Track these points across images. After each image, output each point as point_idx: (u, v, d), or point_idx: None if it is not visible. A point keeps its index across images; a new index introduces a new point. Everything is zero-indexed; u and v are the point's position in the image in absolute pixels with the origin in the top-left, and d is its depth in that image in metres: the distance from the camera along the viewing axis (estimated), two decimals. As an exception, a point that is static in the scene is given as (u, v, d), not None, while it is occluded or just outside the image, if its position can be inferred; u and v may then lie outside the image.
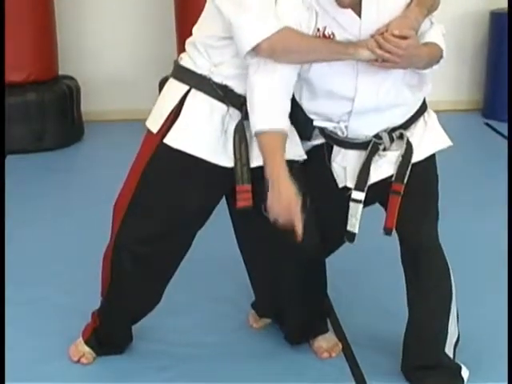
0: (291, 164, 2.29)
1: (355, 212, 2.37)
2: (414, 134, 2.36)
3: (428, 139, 2.39)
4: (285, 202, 2.17)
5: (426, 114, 2.40)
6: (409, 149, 2.33)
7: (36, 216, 3.89)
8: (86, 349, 2.65)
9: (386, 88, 2.25)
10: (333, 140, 2.37)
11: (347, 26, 2.17)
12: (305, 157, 2.39)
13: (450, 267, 2.42)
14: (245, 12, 2.11)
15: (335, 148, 2.38)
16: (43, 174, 4.60)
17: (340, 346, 2.71)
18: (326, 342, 2.69)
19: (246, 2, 2.11)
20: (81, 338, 2.66)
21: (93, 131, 5.36)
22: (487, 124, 5.43)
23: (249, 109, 2.22)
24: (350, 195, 2.36)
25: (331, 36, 2.17)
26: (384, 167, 2.34)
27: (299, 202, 2.17)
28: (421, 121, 2.38)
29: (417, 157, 2.34)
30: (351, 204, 2.36)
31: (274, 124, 2.19)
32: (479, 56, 5.70)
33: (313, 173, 2.41)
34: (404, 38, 2.11)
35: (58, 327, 2.82)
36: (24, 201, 4.07)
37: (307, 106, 2.31)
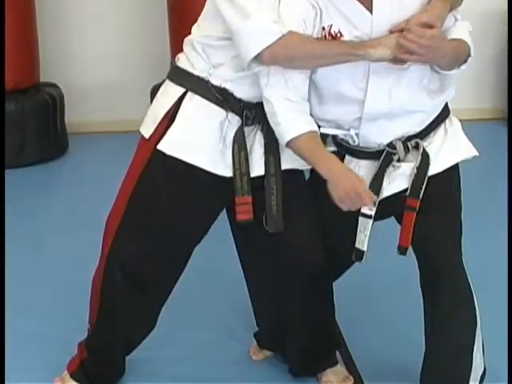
0: (296, 173, 2.37)
1: (364, 228, 2.38)
2: (433, 144, 2.36)
3: (448, 149, 2.37)
4: (348, 185, 2.22)
5: (447, 120, 2.39)
6: (425, 160, 2.32)
7: (14, 238, 3.90)
8: (73, 383, 2.66)
9: (400, 91, 2.25)
10: (344, 148, 2.40)
11: (357, 23, 2.18)
12: (308, 167, 2.41)
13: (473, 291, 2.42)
14: (245, 19, 2.15)
15: (347, 157, 2.40)
16: (22, 192, 4.61)
17: (351, 380, 2.72)
18: (335, 375, 2.70)
19: (247, 7, 2.15)
20: (66, 372, 2.68)
21: (78, 144, 5.38)
22: (508, 134, 5.44)
23: (271, 122, 2.28)
24: (359, 209, 2.37)
25: (338, 35, 2.20)
26: (398, 180, 2.35)
27: (362, 181, 2.24)
28: (441, 128, 2.38)
29: (434, 169, 2.34)
30: (360, 219, 2.38)
31: (303, 129, 2.26)
32: (504, 60, 5.68)
33: (322, 184, 2.44)
34: (429, 26, 2.11)
35: (41, 360, 2.83)
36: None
37: (315, 111, 2.34)
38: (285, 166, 2.38)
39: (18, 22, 4.97)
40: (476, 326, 2.41)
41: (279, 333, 2.69)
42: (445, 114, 2.39)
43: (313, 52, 2.20)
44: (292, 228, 2.38)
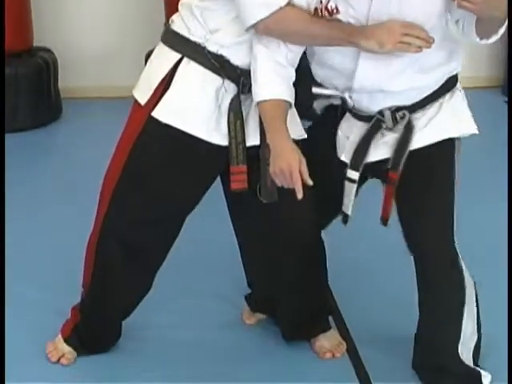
0: None
1: (349, 192, 2.40)
2: (424, 117, 2.34)
3: (437, 124, 2.34)
4: (284, 163, 2.20)
5: (448, 94, 2.36)
6: (408, 133, 2.31)
7: (9, 206, 3.89)
8: (66, 348, 2.68)
9: (390, 72, 2.24)
10: (345, 105, 2.40)
11: (355, 3, 2.15)
12: (304, 136, 2.42)
13: (466, 275, 2.43)
14: None
15: (347, 114, 2.42)
16: (16, 157, 4.58)
17: (344, 345, 2.74)
18: (328, 341, 2.73)
19: None
20: (60, 336, 2.69)
21: (72, 109, 5.34)
22: (507, 102, 5.44)
23: (252, 78, 2.27)
24: (345, 173, 2.39)
25: (334, 11, 2.17)
26: (381, 148, 2.36)
27: (300, 164, 2.20)
28: (437, 103, 2.35)
29: (418, 143, 2.33)
30: (346, 183, 2.40)
31: (277, 94, 2.24)
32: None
33: (318, 139, 2.45)
34: None
35: (34, 325, 2.85)
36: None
37: (315, 71, 2.35)
38: None
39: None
40: (463, 305, 2.44)
41: (271, 297, 2.71)
42: (446, 87, 2.35)
43: (306, 31, 2.20)
44: (286, 198, 2.36)
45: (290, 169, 2.19)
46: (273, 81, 2.25)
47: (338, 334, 2.78)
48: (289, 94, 2.27)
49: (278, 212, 2.42)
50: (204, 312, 2.98)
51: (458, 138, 2.39)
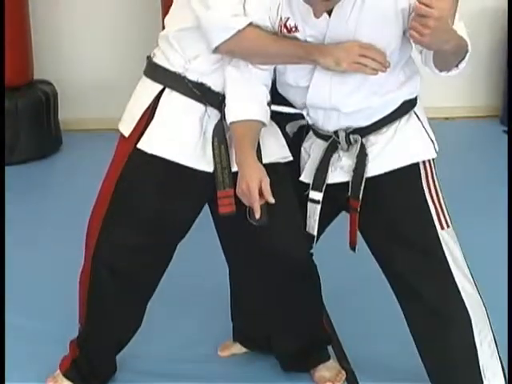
0: (276, 166, 2.38)
1: (313, 213, 2.40)
2: (379, 143, 2.33)
3: (392, 151, 2.33)
4: (244, 184, 2.24)
5: (405, 117, 2.34)
6: (360, 162, 2.31)
7: (10, 236, 3.89)
8: (66, 382, 2.67)
9: (343, 91, 2.25)
10: (307, 124, 2.43)
11: (312, 23, 2.17)
12: (290, 158, 2.45)
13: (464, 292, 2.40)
14: (207, 9, 2.18)
15: (310, 132, 2.44)
16: (15, 191, 4.60)
17: (343, 374, 2.73)
18: (328, 371, 2.72)
19: None
20: (59, 371, 2.69)
21: (72, 141, 5.37)
22: (506, 131, 5.47)
23: (226, 100, 2.30)
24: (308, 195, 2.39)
25: (293, 29, 2.20)
26: (338, 172, 2.37)
27: (261, 183, 2.23)
28: (393, 126, 2.33)
29: (373, 171, 2.32)
30: (309, 204, 2.40)
31: (245, 115, 2.27)
32: (496, 57, 5.70)
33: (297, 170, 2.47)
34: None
35: (34, 357, 2.84)
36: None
37: (278, 86, 2.37)
38: (266, 159, 2.38)
39: (11, 20, 4.93)
40: (471, 328, 2.40)
41: (263, 329, 2.69)
42: (403, 110, 2.34)
43: (267, 50, 2.24)
44: (276, 220, 2.38)
45: (248, 189, 2.22)
46: (242, 101, 2.28)
47: (338, 363, 2.77)
48: (259, 113, 2.30)
49: (269, 236, 2.41)
50: (196, 343, 2.97)
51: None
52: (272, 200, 2.22)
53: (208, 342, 2.95)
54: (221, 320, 3.01)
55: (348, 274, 3.26)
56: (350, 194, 2.34)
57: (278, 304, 2.59)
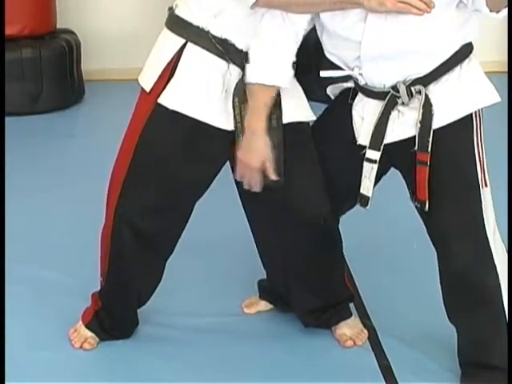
0: (297, 126, 2.35)
1: (369, 173, 2.35)
2: (442, 91, 2.25)
3: (459, 98, 2.27)
4: (255, 159, 2.26)
5: (465, 62, 2.27)
6: (427, 113, 2.24)
7: (32, 186, 3.91)
8: (88, 333, 2.68)
9: (400, 37, 2.17)
10: (357, 86, 2.35)
11: None
12: (313, 118, 2.42)
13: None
14: None
15: (359, 95, 2.37)
16: (39, 139, 4.62)
17: (365, 333, 2.72)
18: (349, 328, 2.70)
19: None
20: (81, 322, 2.70)
21: (94, 92, 5.36)
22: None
23: (249, 57, 2.25)
24: (364, 154, 2.34)
25: None
26: (401, 128, 2.29)
27: (263, 164, 2.27)
28: (455, 72, 2.26)
29: (440, 121, 2.25)
30: (365, 164, 2.34)
31: (268, 80, 2.24)
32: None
33: (334, 121, 2.42)
34: None
35: (57, 309, 2.85)
36: (18, 169, 4.08)
37: (325, 45, 2.31)
38: (287, 118, 2.35)
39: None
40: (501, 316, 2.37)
41: (285, 285, 2.67)
42: (461, 55, 2.26)
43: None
44: (296, 181, 2.36)
45: (250, 171, 2.26)
46: (268, 63, 2.24)
47: (360, 321, 2.76)
48: (282, 79, 2.26)
49: (288, 192, 2.40)
50: (219, 297, 2.96)
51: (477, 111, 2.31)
52: (274, 177, 2.26)
53: (231, 296, 2.94)
54: (244, 274, 3.02)
55: (372, 230, 3.23)
56: (417, 147, 2.26)
57: (297, 261, 2.57)
